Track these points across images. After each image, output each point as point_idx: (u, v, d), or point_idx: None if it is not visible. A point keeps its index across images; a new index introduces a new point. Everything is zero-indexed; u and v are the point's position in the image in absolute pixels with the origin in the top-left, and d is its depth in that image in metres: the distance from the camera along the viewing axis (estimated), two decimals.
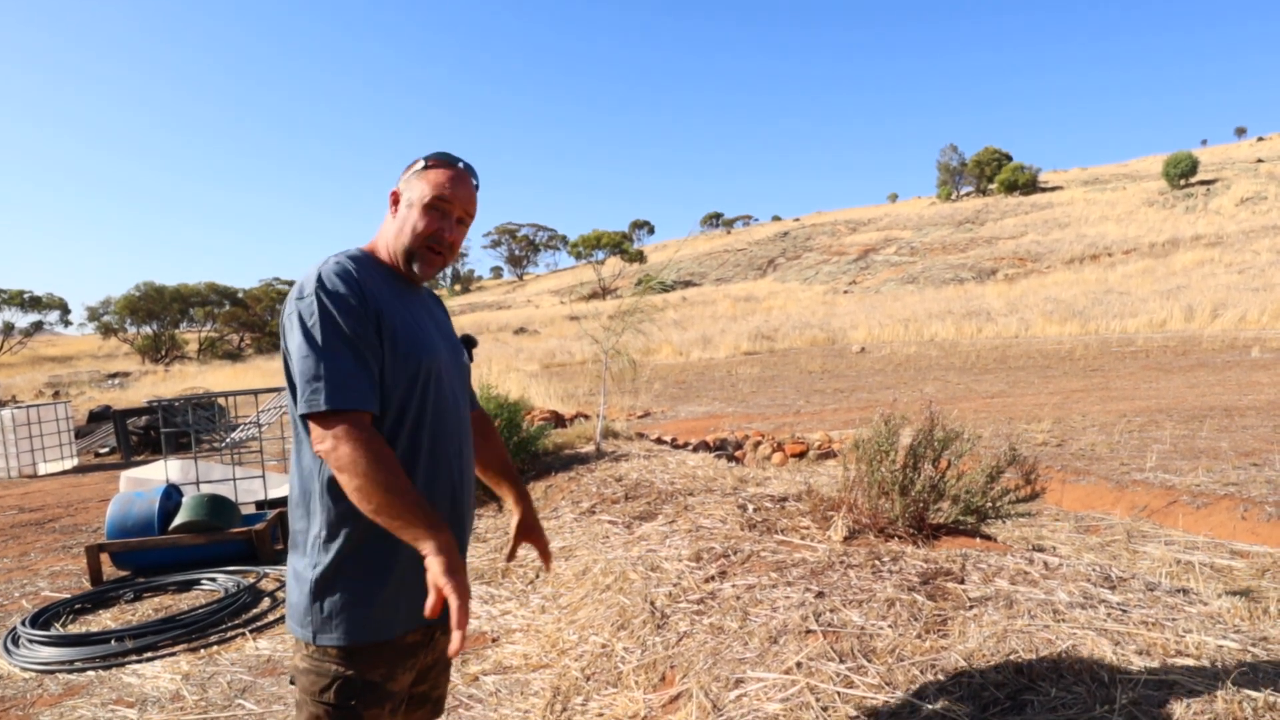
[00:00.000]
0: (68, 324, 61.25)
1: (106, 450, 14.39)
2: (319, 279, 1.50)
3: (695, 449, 8.47)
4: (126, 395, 27.25)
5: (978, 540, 3.54)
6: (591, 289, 65.63)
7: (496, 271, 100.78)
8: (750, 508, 4.29)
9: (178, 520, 5.18)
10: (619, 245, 67.80)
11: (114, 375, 39.40)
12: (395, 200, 1.68)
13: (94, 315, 55.01)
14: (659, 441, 8.43)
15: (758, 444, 8.70)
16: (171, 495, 5.41)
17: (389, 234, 1.67)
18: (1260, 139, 78.10)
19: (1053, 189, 68.92)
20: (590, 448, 7.11)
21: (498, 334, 41.42)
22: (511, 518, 1.96)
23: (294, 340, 1.48)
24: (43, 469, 12.59)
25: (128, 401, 23.27)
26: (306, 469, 1.57)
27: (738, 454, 8.65)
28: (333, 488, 1.52)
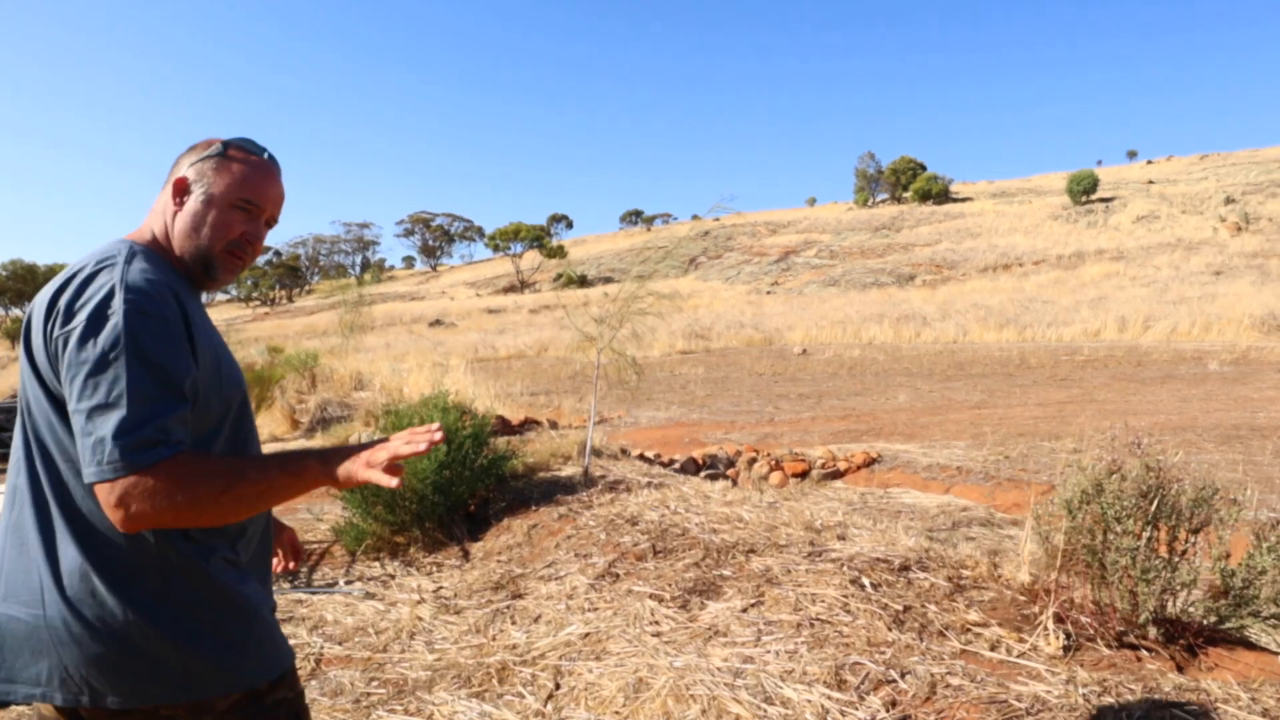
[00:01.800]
0: None
1: None
2: (129, 294, 1.16)
3: (683, 467, 7.15)
4: None
5: (1253, 654, 2.33)
6: (509, 282, 63.66)
7: (409, 261, 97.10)
8: (867, 582, 2.99)
9: None
10: (538, 239, 66.05)
11: None
12: (183, 189, 1.34)
13: None
14: (642, 459, 7.07)
15: (752, 461, 7.45)
16: None
17: (179, 231, 1.33)
18: (1149, 162, 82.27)
19: (963, 199, 71.12)
20: (572, 470, 5.69)
21: (412, 326, 39.21)
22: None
23: (74, 376, 1.12)
24: None
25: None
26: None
27: (730, 472, 7.38)
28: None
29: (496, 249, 68.34)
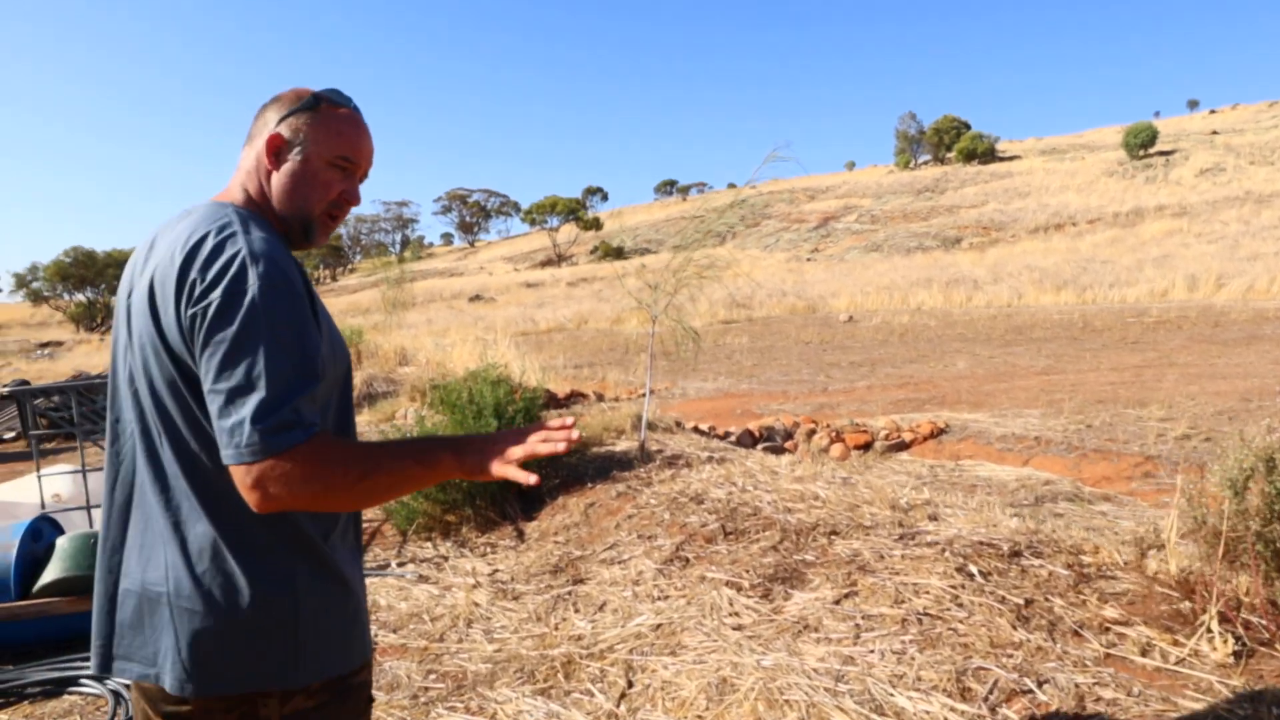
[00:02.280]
0: None
1: (12, 436, 12.17)
2: (263, 265, 1.11)
3: (739, 440, 6.84)
4: (56, 366, 24.71)
5: None
6: (546, 256, 63.50)
7: (447, 238, 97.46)
8: (975, 570, 2.67)
9: (47, 575, 3.36)
10: (574, 212, 65.73)
11: (45, 345, 36.82)
12: (278, 147, 1.26)
13: (22, 282, 52.17)
14: (697, 431, 6.77)
15: (811, 432, 7.11)
16: (41, 533, 3.57)
17: (278, 192, 1.27)
18: (1212, 111, 78.98)
19: (1011, 158, 69.23)
20: (627, 444, 5.42)
21: (451, 301, 39.28)
22: None
23: (208, 355, 1.08)
24: None
25: (56, 374, 20.75)
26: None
27: (788, 445, 7.06)
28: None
29: (533, 223, 68.22)
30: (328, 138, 1.27)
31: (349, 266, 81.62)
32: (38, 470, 4.08)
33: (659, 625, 2.91)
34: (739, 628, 2.71)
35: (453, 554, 4.36)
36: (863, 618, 2.52)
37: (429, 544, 4.59)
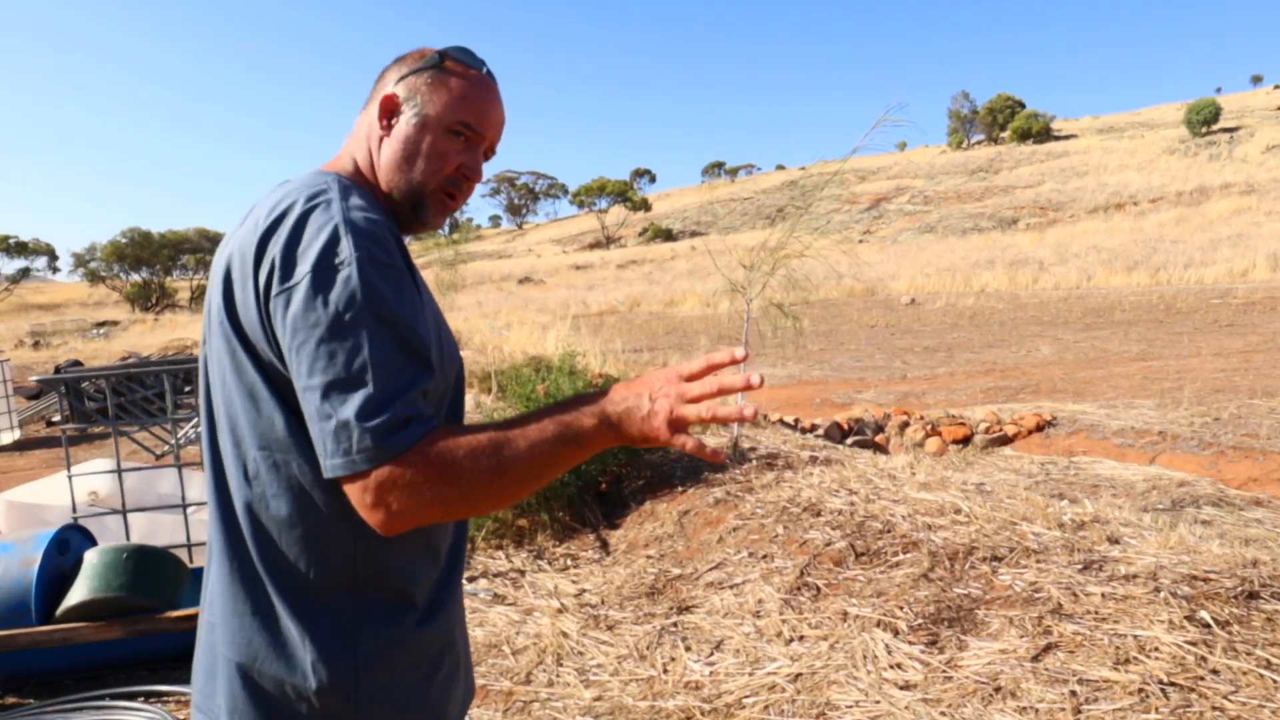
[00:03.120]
0: (55, 270, 60.06)
1: (59, 419, 12.08)
2: (355, 240, 0.91)
3: (827, 433, 6.29)
4: (110, 346, 25.05)
5: None
6: (594, 238, 63.16)
7: (495, 220, 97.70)
8: (1208, 617, 2.11)
9: (73, 597, 2.96)
10: (622, 193, 65.23)
11: (101, 324, 37.56)
12: (391, 109, 1.08)
13: (80, 262, 53.49)
14: (783, 424, 6.24)
15: (904, 425, 6.52)
16: (69, 544, 3.17)
17: (386, 161, 1.08)
18: (1278, 86, 75.54)
19: (1067, 137, 67.53)
20: (715, 440, 4.91)
21: (500, 283, 39.12)
22: None
23: (301, 341, 0.88)
24: None
25: (109, 354, 20.92)
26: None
27: (879, 438, 6.49)
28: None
29: (581, 205, 67.97)
30: (449, 100, 1.07)
31: None
32: (68, 469, 3.69)
33: (797, 675, 2.40)
34: (906, 686, 2.19)
35: (529, 567, 3.90)
36: (1078, 683, 1.98)
37: (501, 553, 4.15)
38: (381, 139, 1.09)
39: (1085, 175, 50.71)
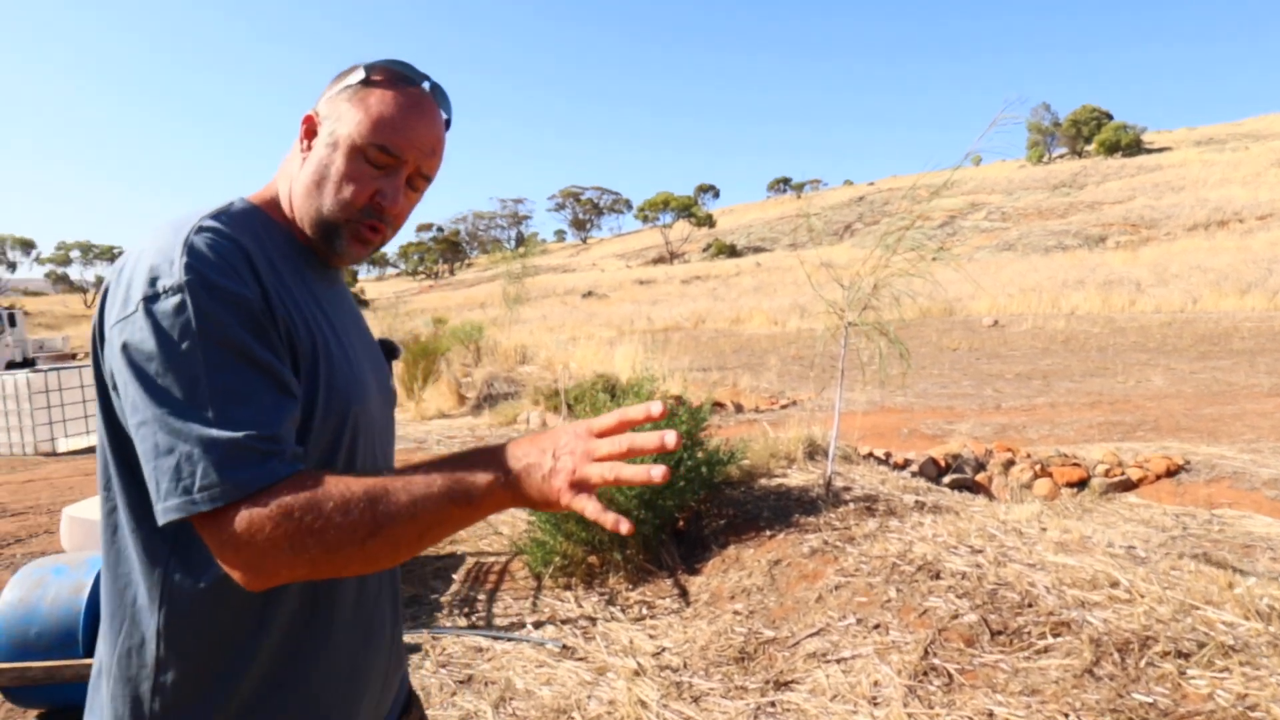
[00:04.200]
0: None
1: None
2: (190, 261, 0.82)
3: (921, 469, 5.75)
4: None
5: None
6: (658, 253, 63.03)
7: (560, 235, 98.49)
8: None
9: None
10: (687, 209, 64.96)
11: None
12: (311, 130, 0.99)
13: None
14: (872, 458, 5.73)
15: (1008, 463, 5.94)
16: None
17: (299, 187, 0.98)
18: None
19: (1160, 150, 64.92)
20: (803, 477, 4.45)
21: (565, 297, 39.19)
22: None
23: (135, 375, 0.79)
24: (63, 445, 10.44)
25: None
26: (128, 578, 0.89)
27: (980, 478, 5.92)
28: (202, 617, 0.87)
29: (645, 220, 67.94)
30: (364, 119, 0.94)
31: (466, 261, 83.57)
32: None
33: None
34: None
35: (601, 613, 3.51)
36: None
37: (569, 594, 3.76)
38: (302, 162, 0.98)
39: (1182, 190, 48.66)
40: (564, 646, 3.21)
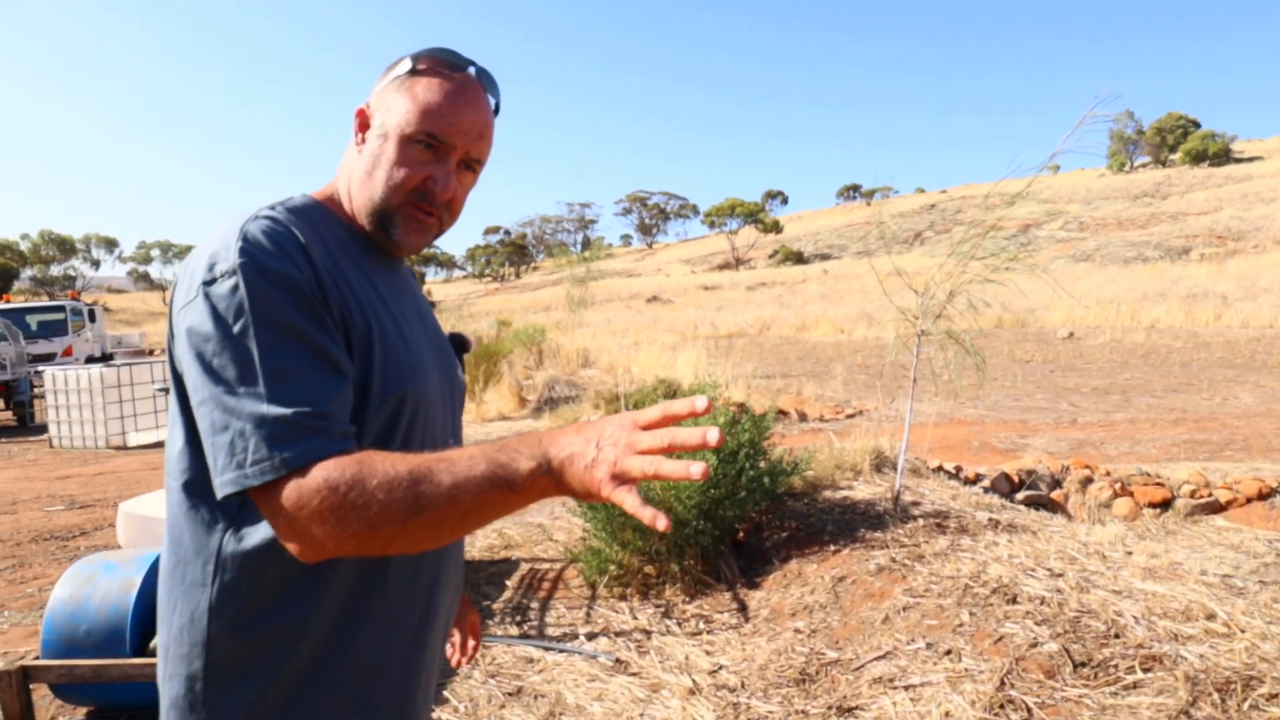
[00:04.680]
0: None
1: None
2: (244, 246, 0.86)
3: (993, 484, 5.52)
4: None
5: None
6: (723, 259, 62.76)
7: (625, 239, 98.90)
8: None
9: None
10: (754, 215, 64.55)
11: None
12: (364, 123, 1.03)
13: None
14: (942, 471, 5.51)
15: (1086, 481, 5.65)
16: None
17: (356, 177, 1.02)
18: None
19: (1250, 159, 62.17)
20: (869, 490, 4.29)
21: (629, 301, 39.26)
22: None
23: (196, 355, 0.84)
24: (133, 439, 10.79)
25: None
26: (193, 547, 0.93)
27: (1055, 495, 5.65)
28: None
29: (712, 225, 67.75)
30: (411, 107, 0.97)
31: (532, 265, 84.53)
32: None
33: None
34: None
35: (656, 626, 3.41)
36: None
37: (624, 604, 3.68)
38: (357, 155, 1.03)
39: (1273, 201, 46.68)
40: (617, 660, 3.13)
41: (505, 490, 0.78)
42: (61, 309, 18.75)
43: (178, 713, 0.94)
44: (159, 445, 10.52)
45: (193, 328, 0.84)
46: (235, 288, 0.84)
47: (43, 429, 11.85)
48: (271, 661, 0.91)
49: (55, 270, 55.88)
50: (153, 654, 2.73)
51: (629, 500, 0.73)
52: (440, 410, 1.07)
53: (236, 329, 0.83)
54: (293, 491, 0.78)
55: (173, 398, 0.93)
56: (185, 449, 0.91)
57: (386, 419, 0.96)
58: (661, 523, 0.71)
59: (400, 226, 1.01)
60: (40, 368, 13.90)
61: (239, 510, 0.90)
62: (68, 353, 18.07)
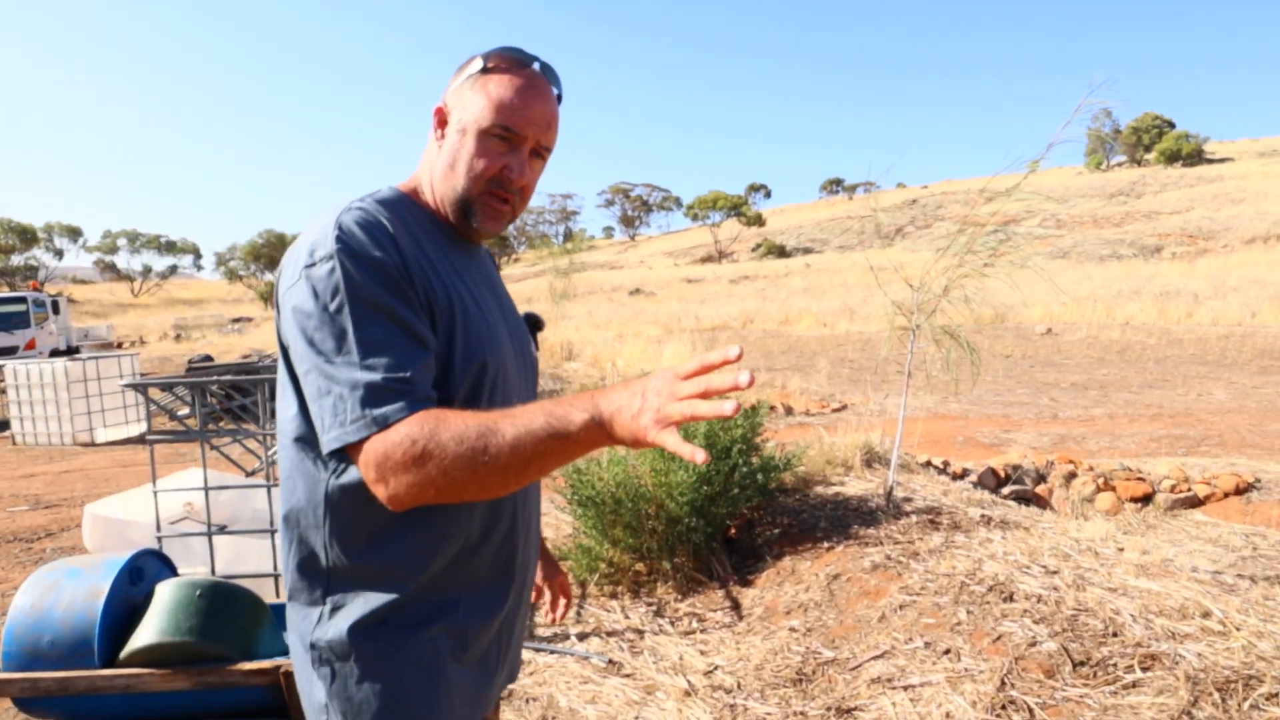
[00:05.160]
0: (200, 268, 64.99)
1: (185, 413, 12.36)
2: (339, 235, 0.99)
3: (980, 479, 5.54)
4: (243, 342, 26.22)
5: None
6: (706, 252, 62.71)
7: (608, 231, 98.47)
8: None
9: (139, 639, 2.60)
10: (737, 208, 64.54)
11: (236, 320, 39.70)
12: (442, 120, 1.15)
13: (221, 261, 57.53)
14: (930, 466, 5.53)
15: (1070, 476, 5.69)
16: (143, 573, 2.83)
17: (435, 170, 1.14)
18: None
19: (1221, 160, 63.09)
20: (860, 485, 4.28)
21: (611, 294, 39.10)
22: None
23: (301, 330, 0.98)
24: (101, 435, 10.37)
25: (241, 349, 21.80)
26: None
27: (1040, 489, 5.68)
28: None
29: (694, 218, 67.63)
30: (485, 104, 1.08)
31: (514, 256, 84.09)
32: (153, 483, 3.39)
33: None
34: None
35: (648, 625, 3.38)
36: None
37: (615, 603, 3.65)
38: (437, 151, 1.13)
39: (1242, 202, 47.38)
40: (610, 661, 3.09)
41: (562, 440, 0.88)
42: (23, 300, 18.26)
43: (301, 630, 1.09)
44: (128, 442, 10.29)
45: (296, 306, 0.98)
46: (332, 270, 0.97)
47: (5, 425, 11.48)
48: (380, 588, 1.06)
49: (16, 260, 54.39)
50: (122, 664, 2.63)
51: (670, 440, 0.82)
52: (516, 382, 1.19)
53: (333, 307, 0.96)
54: (380, 444, 0.91)
55: (281, 368, 1.06)
56: (298, 414, 1.04)
57: (469, 387, 1.07)
58: (700, 456, 0.78)
59: (480, 214, 1.12)
60: (1, 362, 13.51)
61: (341, 463, 1.02)
62: (30, 346, 17.67)
